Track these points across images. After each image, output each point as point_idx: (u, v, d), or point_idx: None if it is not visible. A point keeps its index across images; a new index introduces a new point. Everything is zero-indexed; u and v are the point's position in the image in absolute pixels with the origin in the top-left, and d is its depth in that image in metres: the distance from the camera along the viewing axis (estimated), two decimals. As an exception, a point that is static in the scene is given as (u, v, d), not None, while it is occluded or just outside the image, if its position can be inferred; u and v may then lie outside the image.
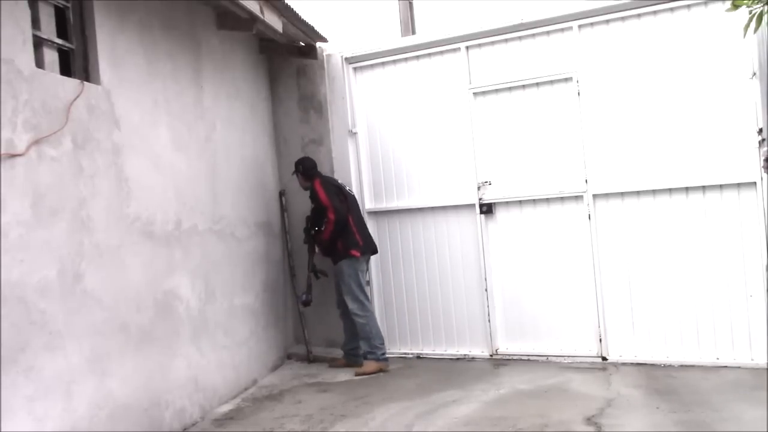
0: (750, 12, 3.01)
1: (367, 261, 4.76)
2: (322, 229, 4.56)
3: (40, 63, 2.96)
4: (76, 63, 3.22)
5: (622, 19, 4.24)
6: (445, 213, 4.82)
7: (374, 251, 4.80)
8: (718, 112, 4.01)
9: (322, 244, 4.65)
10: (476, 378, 4.24)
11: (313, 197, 4.63)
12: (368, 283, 4.87)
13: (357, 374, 4.52)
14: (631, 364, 4.24)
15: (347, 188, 4.80)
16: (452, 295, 4.84)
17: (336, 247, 4.58)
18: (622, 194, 4.30)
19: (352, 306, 4.56)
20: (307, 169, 4.75)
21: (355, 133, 5.06)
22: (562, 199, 4.46)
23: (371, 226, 5.08)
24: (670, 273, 4.18)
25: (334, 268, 4.67)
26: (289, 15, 4.46)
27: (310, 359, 4.96)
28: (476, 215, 4.68)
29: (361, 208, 5.07)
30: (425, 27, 7.21)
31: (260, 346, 4.65)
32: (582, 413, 3.41)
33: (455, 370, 4.49)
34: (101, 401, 3.08)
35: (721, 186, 4.04)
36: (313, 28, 4.77)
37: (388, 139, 4.99)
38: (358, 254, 4.55)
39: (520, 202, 4.58)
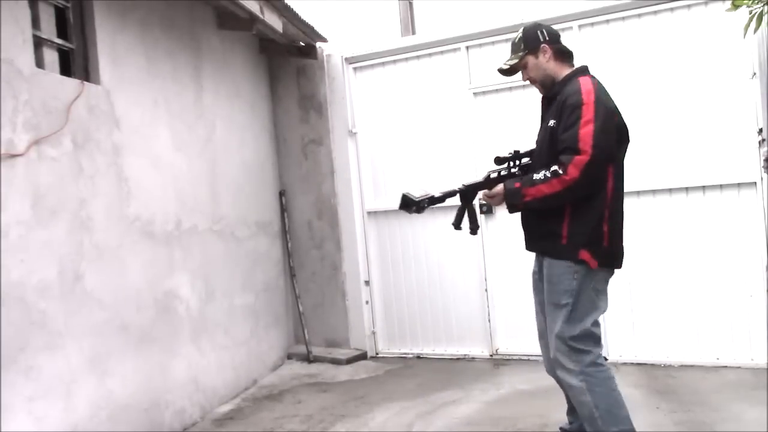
0: (750, 12, 3.01)
1: (608, 277, 2.54)
2: (546, 175, 2.37)
3: (40, 63, 2.97)
4: (76, 63, 3.22)
5: (623, 19, 4.25)
6: (445, 213, 4.80)
7: (619, 264, 2.55)
8: (718, 112, 4.01)
9: (521, 203, 2.50)
10: (476, 378, 4.24)
11: (563, 112, 2.42)
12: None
13: None
14: (631, 364, 4.23)
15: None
16: (452, 295, 4.84)
17: (553, 229, 2.47)
18: (622, 194, 4.30)
19: (559, 351, 2.46)
20: (559, 51, 2.59)
21: (355, 133, 5.06)
22: (562, 199, 4.46)
23: (371, 226, 5.07)
24: (670, 273, 4.18)
25: (538, 264, 2.67)
26: (289, 15, 4.46)
27: (310, 359, 4.96)
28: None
29: (361, 208, 5.08)
30: (425, 27, 7.23)
31: (260, 346, 4.64)
32: (582, 413, 3.41)
33: (455, 370, 4.49)
34: (101, 401, 3.08)
35: (721, 186, 4.04)
36: (313, 28, 4.77)
37: (388, 139, 4.98)
38: (595, 263, 2.40)
39: (520, 202, 4.58)
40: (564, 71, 2.57)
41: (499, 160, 2.63)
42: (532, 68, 2.61)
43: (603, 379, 2.42)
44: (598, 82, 2.52)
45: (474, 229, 2.73)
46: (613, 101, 2.50)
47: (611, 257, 2.46)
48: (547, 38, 2.58)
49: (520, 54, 2.60)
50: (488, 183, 2.63)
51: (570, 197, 2.38)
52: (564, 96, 2.45)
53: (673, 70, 4.13)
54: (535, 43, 2.57)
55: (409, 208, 2.60)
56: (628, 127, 2.59)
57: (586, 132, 2.31)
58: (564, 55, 2.60)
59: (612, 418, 2.39)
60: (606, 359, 2.53)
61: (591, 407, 2.39)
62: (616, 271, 2.57)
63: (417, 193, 2.62)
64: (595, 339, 2.46)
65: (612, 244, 2.44)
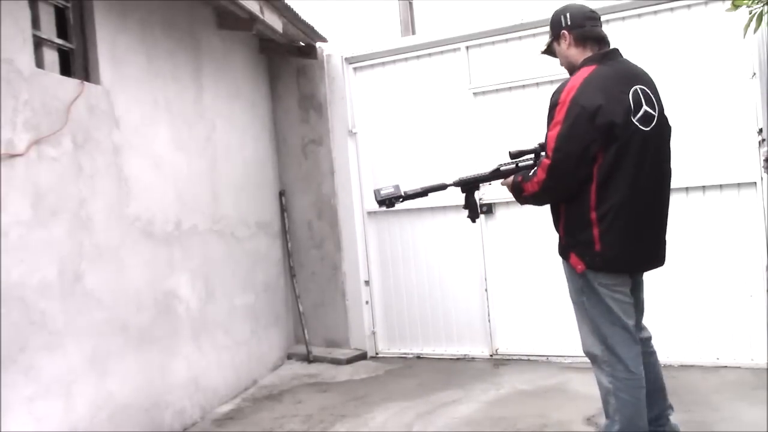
0: (750, 12, 3.01)
1: (633, 276, 2.51)
2: (532, 174, 2.38)
3: (40, 63, 2.97)
4: (76, 63, 3.22)
5: (623, 19, 4.24)
6: (445, 213, 4.82)
7: (644, 265, 2.55)
8: (718, 112, 4.01)
9: (522, 198, 2.48)
10: (476, 378, 4.24)
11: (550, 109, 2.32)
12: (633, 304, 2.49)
13: None
14: (631, 364, 4.24)
15: (645, 111, 2.48)
16: (452, 295, 4.84)
17: (557, 229, 2.49)
18: (622, 194, 4.29)
19: (585, 343, 2.46)
20: (581, 36, 2.42)
21: (355, 133, 5.06)
22: (562, 199, 4.46)
23: (371, 226, 5.07)
24: (670, 273, 4.15)
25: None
26: (289, 15, 4.46)
27: (310, 359, 4.96)
28: (476, 215, 4.68)
29: (361, 208, 5.08)
30: (425, 27, 7.23)
31: (260, 346, 4.64)
32: (582, 413, 3.41)
33: (455, 370, 4.49)
34: (101, 401, 3.08)
35: (721, 186, 4.04)
36: (313, 28, 4.77)
37: (388, 139, 4.98)
38: (581, 267, 2.36)
39: (521, 202, 4.58)
40: (583, 58, 2.38)
41: (512, 155, 2.50)
42: (558, 55, 2.49)
43: (631, 387, 2.34)
44: (600, 73, 2.30)
45: (473, 217, 2.72)
46: (607, 95, 2.26)
47: (607, 262, 2.31)
48: (569, 23, 2.40)
49: (548, 41, 2.52)
50: (497, 175, 2.55)
51: (547, 198, 2.41)
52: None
53: (673, 70, 4.12)
54: (557, 29, 2.44)
55: (379, 204, 2.67)
56: (636, 121, 2.41)
57: (552, 135, 2.26)
58: (586, 41, 2.40)
59: (631, 426, 2.34)
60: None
61: (614, 409, 2.36)
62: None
63: (386, 190, 2.67)
64: (628, 330, 2.37)
65: (608, 249, 2.28)
